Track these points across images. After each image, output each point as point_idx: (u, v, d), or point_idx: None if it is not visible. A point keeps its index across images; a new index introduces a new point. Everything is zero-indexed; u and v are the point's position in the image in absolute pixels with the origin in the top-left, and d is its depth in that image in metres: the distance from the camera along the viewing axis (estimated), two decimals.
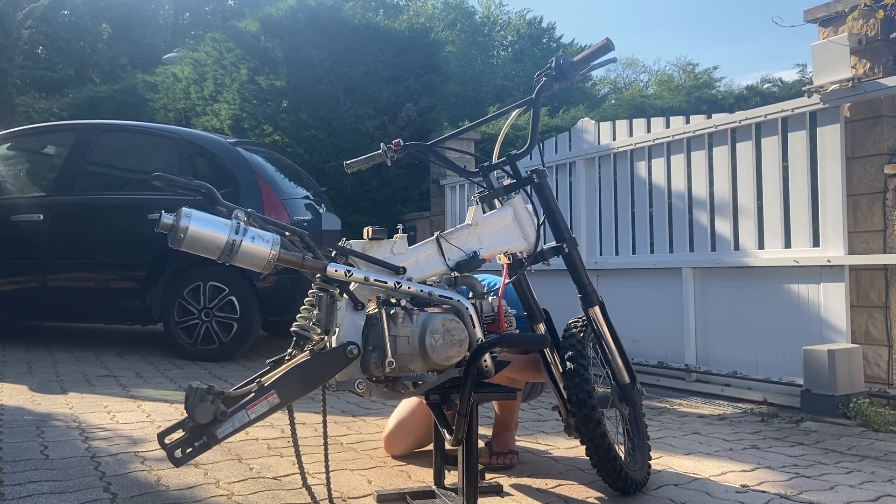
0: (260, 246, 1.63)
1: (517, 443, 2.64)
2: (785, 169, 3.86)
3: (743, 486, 2.28)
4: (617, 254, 4.85)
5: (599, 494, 2.14)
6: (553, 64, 2.08)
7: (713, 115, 4.30)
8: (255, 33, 8.07)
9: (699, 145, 4.30)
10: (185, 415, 1.57)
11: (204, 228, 1.58)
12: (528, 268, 2.05)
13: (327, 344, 1.75)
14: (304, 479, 1.75)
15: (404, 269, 1.84)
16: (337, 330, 1.76)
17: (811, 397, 3.37)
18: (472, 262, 1.93)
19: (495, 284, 2.08)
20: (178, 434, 1.60)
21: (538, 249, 2.04)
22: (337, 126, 7.59)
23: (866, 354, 3.46)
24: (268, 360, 1.76)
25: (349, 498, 2.06)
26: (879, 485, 2.32)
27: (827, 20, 3.82)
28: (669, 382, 4.27)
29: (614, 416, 2.26)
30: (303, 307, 1.80)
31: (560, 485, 2.24)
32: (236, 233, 1.61)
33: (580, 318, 2.19)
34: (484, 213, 2.06)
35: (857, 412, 3.21)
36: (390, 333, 1.72)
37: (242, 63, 8.12)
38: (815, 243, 3.67)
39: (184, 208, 1.59)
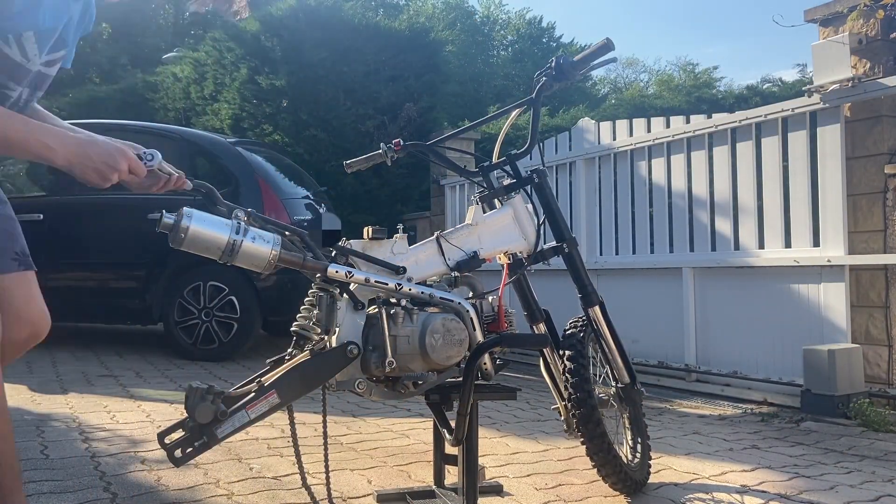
0: (261, 246, 1.63)
1: (517, 443, 2.63)
2: (785, 169, 3.86)
3: (743, 486, 2.28)
4: (617, 254, 4.85)
5: (599, 494, 2.14)
6: (553, 64, 2.08)
7: (713, 115, 4.30)
8: (255, 33, 8.07)
9: (699, 145, 4.30)
10: (185, 415, 1.57)
11: (205, 228, 1.58)
12: (529, 268, 2.05)
13: (327, 344, 1.74)
14: (303, 479, 1.75)
15: (404, 269, 1.84)
16: (337, 330, 1.75)
17: (811, 397, 3.37)
18: (472, 262, 1.93)
19: None
20: (178, 434, 1.60)
21: (538, 249, 2.04)
22: (337, 126, 7.59)
23: (866, 354, 3.46)
24: (268, 360, 1.76)
25: (349, 498, 2.06)
26: (879, 485, 2.32)
27: (827, 20, 3.82)
28: (669, 382, 4.27)
29: (615, 415, 2.26)
30: (303, 307, 1.80)
31: (560, 485, 2.24)
32: (237, 233, 1.60)
33: (580, 317, 2.19)
34: (484, 212, 2.06)
35: (857, 412, 3.20)
36: (390, 333, 1.72)
37: (242, 63, 8.12)
38: (816, 243, 3.67)
39: (185, 208, 1.59)
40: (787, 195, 3.84)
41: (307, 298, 1.79)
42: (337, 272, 1.73)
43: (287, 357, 1.73)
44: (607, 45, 1.99)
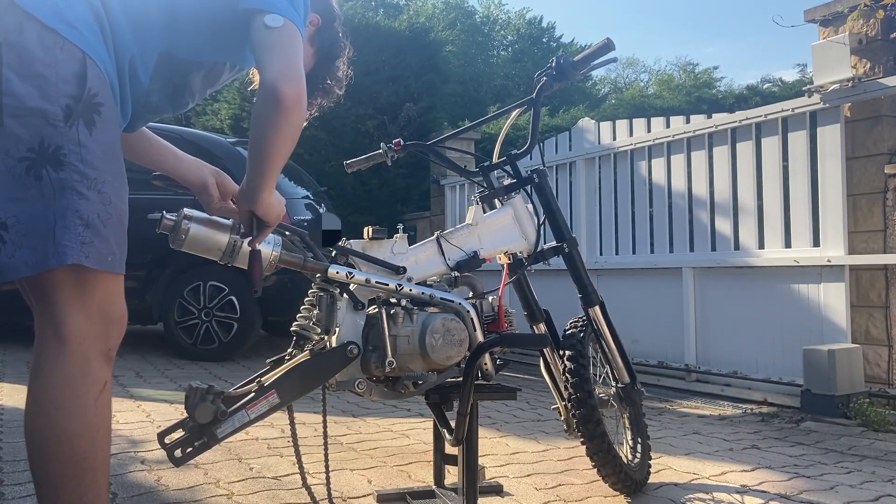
0: (261, 247, 1.63)
1: (517, 443, 2.63)
2: (785, 169, 3.86)
3: (743, 486, 2.28)
4: (617, 254, 4.85)
5: (599, 494, 2.14)
6: (553, 63, 2.08)
7: (713, 115, 4.30)
8: None
9: (699, 145, 4.30)
10: (185, 415, 1.57)
11: (205, 230, 1.58)
12: (529, 268, 2.05)
13: (327, 344, 1.74)
14: (303, 479, 1.75)
15: (404, 269, 1.84)
16: (337, 330, 1.75)
17: (811, 397, 3.37)
18: (472, 262, 1.93)
19: None
20: (178, 434, 1.60)
21: (538, 249, 2.04)
22: (337, 126, 7.59)
23: (866, 354, 3.46)
24: (268, 360, 1.76)
25: (349, 498, 2.06)
26: (879, 485, 2.32)
27: (827, 20, 3.82)
28: (669, 382, 4.27)
29: (615, 415, 2.26)
30: (303, 307, 1.80)
31: (560, 485, 2.24)
32: (237, 234, 1.60)
33: (580, 317, 2.19)
34: (484, 212, 2.06)
35: (857, 412, 3.20)
36: (390, 333, 1.72)
37: None
38: (816, 243, 3.67)
39: (185, 209, 1.59)
40: (787, 195, 3.84)
41: (307, 298, 1.79)
42: (337, 273, 1.73)
43: (287, 357, 1.73)
44: (607, 45, 1.99)
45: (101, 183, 1.18)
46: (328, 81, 1.67)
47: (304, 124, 1.71)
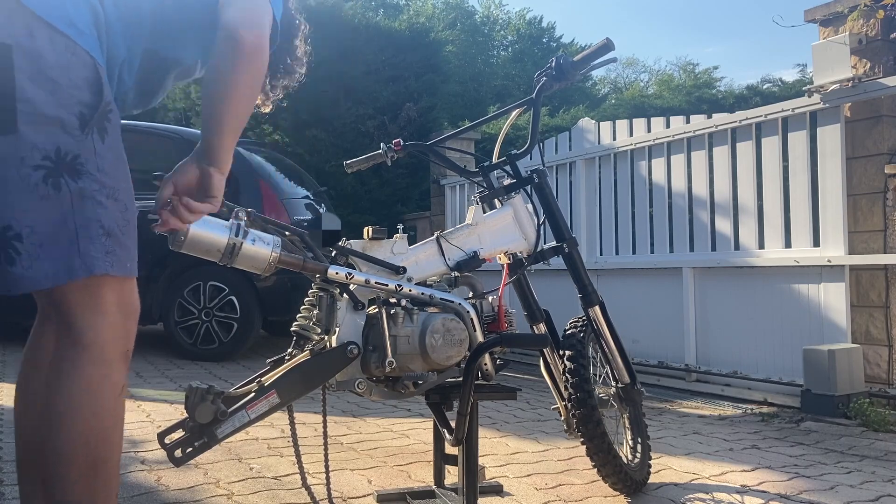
0: (261, 248, 1.63)
1: (517, 443, 2.63)
2: (785, 169, 3.86)
3: (743, 486, 2.28)
4: (617, 253, 4.85)
5: (599, 494, 2.14)
6: (553, 64, 2.08)
7: (713, 115, 4.30)
8: None
9: (699, 145, 4.30)
10: (185, 415, 1.57)
11: (204, 231, 1.58)
12: (529, 267, 2.05)
13: (327, 344, 1.75)
14: (303, 479, 1.75)
15: (404, 269, 1.84)
16: (337, 330, 1.76)
17: (811, 397, 3.37)
18: (472, 262, 1.94)
19: None
20: (178, 434, 1.60)
21: (538, 249, 2.04)
22: (337, 126, 7.59)
23: (866, 354, 3.46)
24: (268, 360, 1.76)
25: (349, 498, 2.06)
26: (879, 485, 2.32)
27: (827, 20, 3.82)
28: (669, 382, 4.27)
29: (615, 415, 2.26)
30: (303, 307, 1.80)
31: (560, 485, 2.24)
32: (237, 235, 1.60)
33: (580, 317, 2.19)
34: (484, 212, 2.06)
35: (858, 412, 3.21)
36: (390, 333, 1.73)
37: None
38: (816, 243, 3.67)
39: None
40: (787, 195, 3.84)
41: (307, 298, 1.80)
42: (337, 273, 1.73)
43: (287, 357, 1.73)
44: (607, 45, 2.00)
45: (117, 191, 1.16)
46: (287, 61, 1.64)
47: (271, 109, 1.68)
